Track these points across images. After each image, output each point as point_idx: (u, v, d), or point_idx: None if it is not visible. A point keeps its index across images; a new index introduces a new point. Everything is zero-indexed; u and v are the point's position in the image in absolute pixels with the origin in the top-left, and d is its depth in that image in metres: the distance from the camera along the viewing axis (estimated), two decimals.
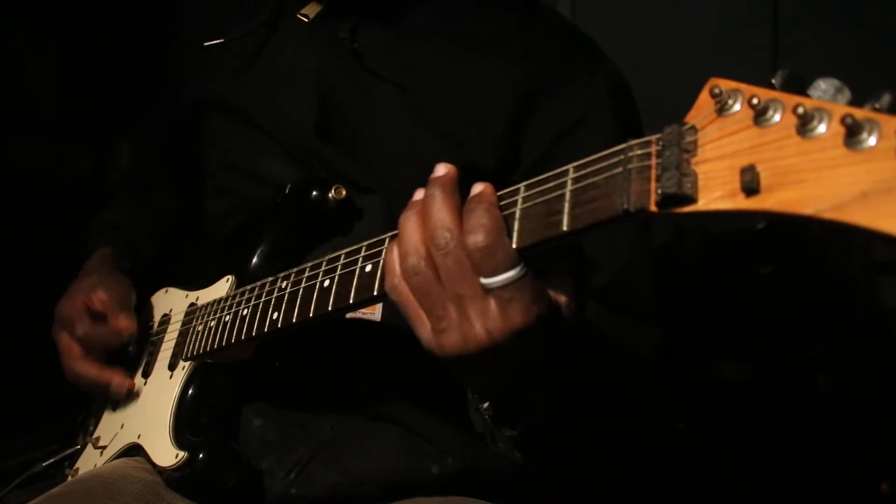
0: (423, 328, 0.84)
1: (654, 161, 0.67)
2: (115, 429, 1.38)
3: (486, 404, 0.96)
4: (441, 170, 0.85)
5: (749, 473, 2.20)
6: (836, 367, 2.18)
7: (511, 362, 0.83)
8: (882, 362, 2.18)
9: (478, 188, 0.82)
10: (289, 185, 1.31)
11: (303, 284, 1.04)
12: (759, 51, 2.87)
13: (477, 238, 0.77)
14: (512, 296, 0.77)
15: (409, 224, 0.83)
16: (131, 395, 1.38)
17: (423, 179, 1.27)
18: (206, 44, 1.40)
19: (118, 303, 1.36)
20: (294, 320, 1.03)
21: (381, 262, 0.91)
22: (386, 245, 0.91)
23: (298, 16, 1.38)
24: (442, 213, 0.80)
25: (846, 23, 2.73)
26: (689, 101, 0.70)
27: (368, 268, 0.92)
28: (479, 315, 0.79)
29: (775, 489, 2.17)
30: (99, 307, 1.35)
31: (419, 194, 0.85)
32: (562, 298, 0.83)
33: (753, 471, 2.20)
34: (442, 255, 0.79)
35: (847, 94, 0.58)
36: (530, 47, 1.31)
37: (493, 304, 0.78)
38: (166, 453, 1.22)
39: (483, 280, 0.78)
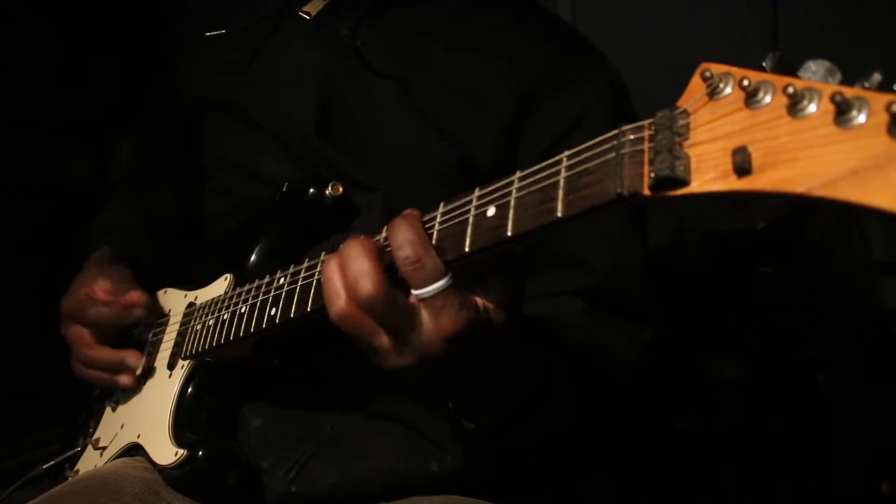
0: (367, 351, 0.90)
1: (646, 145, 0.67)
2: (115, 429, 1.38)
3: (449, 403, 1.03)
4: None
5: (749, 473, 2.20)
6: (836, 367, 2.17)
7: (448, 366, 0.88)
8: (882, 362, 2.17)
9: (406, 212, 0.88)
10: (285, 184, 1.31)
11: (300, 281, 1.04)
12: (761, 49, 2.88)
13: (406, 252, 0.83)
14: (443, 304, 0.83)
15: (328, 267, 0.88)
16: (132, 395, 1.38)
17: (423, 177, 1.28)
18: (207, 34, 1.41)
19: (122, 283, 1.37)
20: (292, 316, 1.03)
21: None
22: (381, 242, 0.92)
23: (300, 13, 1.39)
24: (360, 259, 0.85)
25: (846, 16, 2.73)
26: None
27: None
28: (414, 332, 0.85)
29: (775, 489, 2.17)
30: (102, 295, 1.35)
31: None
32: (490, 305, 0.88)
33: (753, 471, 2.19)
34: (368, 306, 0.84)
35: (838, 76, 0.58)
36: (530, 49, 1.32)
37: (424, 315, 0.84)
38: (166, 452, 1.22)
39: (415, 291, 0.84)
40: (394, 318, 0.84)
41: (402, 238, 0.84)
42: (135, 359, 1.35)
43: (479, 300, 0.87)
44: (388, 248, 0.86)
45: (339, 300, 0.87)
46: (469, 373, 0.93)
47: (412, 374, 0.90)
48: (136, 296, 1.35)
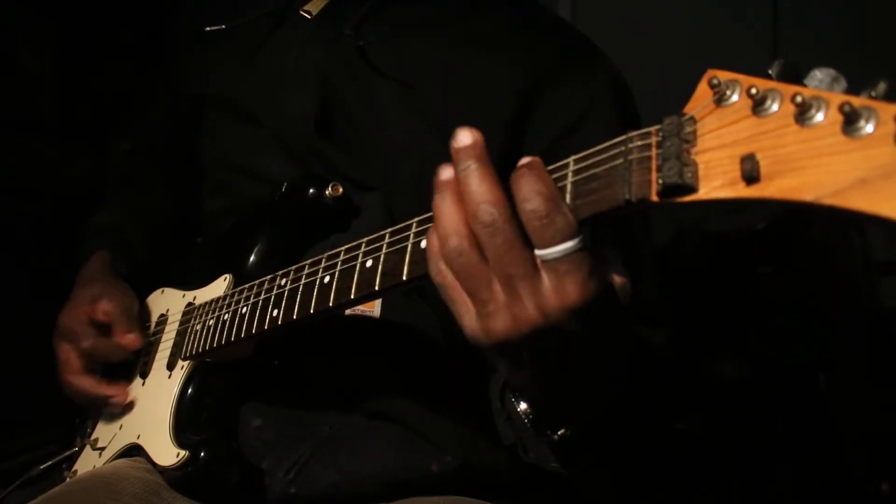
0: (468, 313, 0.77)
1: (654, 152, 0.68)
2: (113, 430, 1.37)
3: (523, 406, 0.94)
4: (466, 138, 0.76)
5: (749, 473, 2.20)
6: (836, 367, 2.18)
7: (562, 346, 0.77)
8: (882, 362, 2.18)
9: (525, 160, 0.76)
10: (285, 183, 1.31)
11: (303, 281, 1.04)
12: (761, 49, 2.88)
13: (534, 205, 0.72)
14: (569, 268, 0.72)
15: (445, 204, 0.76)
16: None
17: (424, 177, 1.26)
18: (207, 29, 1.40)
19: (124, 315, 1.34)
20: (295, 317, 1.03)
21: (381, 256, 0.91)
22: (386, 240, 0.91)
23: (301, 12, 1.38)
24: (482, 186, 0.73)
25: (846, 17, 2.74)
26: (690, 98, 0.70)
27: (369, 263, 0.92)
28: (531, 293, 0.73)
29: (775, 489, 2.17)
30: (103, 318, 1.33)
31: (446, 174, 0.78)
32: (616, 277, 0.79)
33: (753, 471, 2.20)
34: (489, 234, 0.73)
35: (843, 84, 0.59)
36: (531, 47, 1.33)
37: (546, 279, 0.73)
38: (167, 453, 1.21)
39: (539, 252, 0.73)
40: (513, 265, 0.72)
41: (530, 189, 0.72)
42: (118, 398, 1.33)
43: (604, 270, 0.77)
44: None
45: (455, 237, 0.74)
46: (576, 357, 0.80)
47: (513, 349, 0.77)
48: (131, 338, 1.33)
